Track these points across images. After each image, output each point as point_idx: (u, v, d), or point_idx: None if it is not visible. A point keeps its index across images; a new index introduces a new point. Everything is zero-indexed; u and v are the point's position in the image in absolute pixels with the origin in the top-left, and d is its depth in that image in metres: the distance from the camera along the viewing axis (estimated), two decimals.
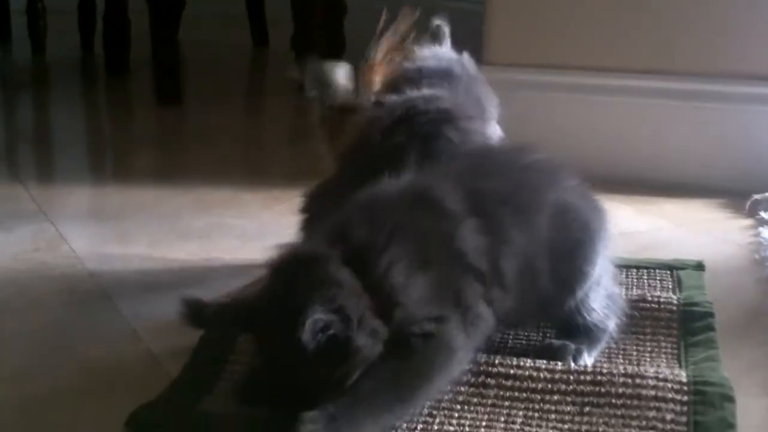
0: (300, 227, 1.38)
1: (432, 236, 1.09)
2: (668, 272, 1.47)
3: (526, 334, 1.26)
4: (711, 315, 1.32)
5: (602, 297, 1.23)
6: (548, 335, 1.25)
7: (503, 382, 1.12)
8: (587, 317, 1.21)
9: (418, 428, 1.04)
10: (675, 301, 1.34)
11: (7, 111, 2.88)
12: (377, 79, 1.41)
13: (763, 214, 1.74)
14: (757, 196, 1.80)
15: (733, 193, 1.85)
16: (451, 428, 1.04)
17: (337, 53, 2.93)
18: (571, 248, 1.18)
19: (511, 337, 1.25)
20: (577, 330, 1.22)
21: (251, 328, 1.07)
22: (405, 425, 1.04)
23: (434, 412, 1.07)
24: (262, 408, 1.05)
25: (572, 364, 1.15)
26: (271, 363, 1.04)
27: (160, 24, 2.67)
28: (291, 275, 1.02)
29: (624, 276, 1.43)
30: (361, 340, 0.99)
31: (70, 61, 3.30)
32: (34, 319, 1.36)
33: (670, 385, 1.10)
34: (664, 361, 1.22)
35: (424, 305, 1.05)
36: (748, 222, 1.75)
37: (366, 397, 1.00)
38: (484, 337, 1.12)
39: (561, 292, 1.19)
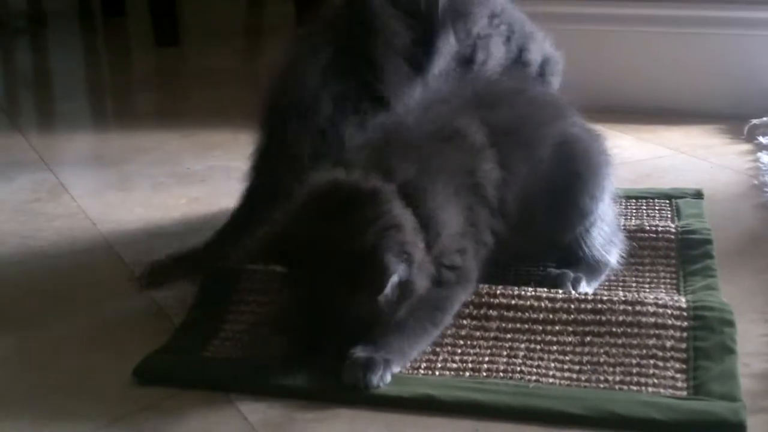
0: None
1: (459, 168, 1.13)
2: (667, 201, 1.48)
3: (526, 267, 1.27)
4: (709, 242, 1.33)
5: (605, 233, 1.24)
6: (548, 267, 1.26)
7: (505, 313, 1.13)
8: (587, 252, 1.23)
9: (422, 366, 1.06)
10: (673, 230, 1.35)
11: (4, 57, 2.87)
12: None
13: (761, 139, 1.74)
14: (755, 121, 1.80)
15: (731, 118, 1.85)
16: (455, 365, 1.06)
17: None
18: (572, 183, 1.19)
19: (512, 269, 1.26)
20: (577, 261, 1.23)
21: (303, 265, 1.03)
22: (409, 363, 1.06)
23: (437, 349, 1.09)
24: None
25: (572, 292, 1.16)
26: (319, 300, 1.03)
27: None
28: (350, 212, 1.02)
29: (623, 206, 1.43)
30: (419, 282, 1.03)
31: (66, 4, 3.27)
32: (36, 269, 1.36)
33: (669, 311, 1.11)
34: (663, 290, 1.23)
35: (454, 237, 1.09)
36: (747, 147, 1.76)
37: (409, 328, 1.05)
38: (484, 265, 1.15)
39: (562, 226, 1.20)
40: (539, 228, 1.19)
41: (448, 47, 1.27)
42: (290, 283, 1.08)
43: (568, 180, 1.19)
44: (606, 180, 1.23)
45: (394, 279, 1.00)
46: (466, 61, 1.32)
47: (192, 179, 1.68)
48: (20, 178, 1.71)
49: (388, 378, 1.02)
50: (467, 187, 1.13)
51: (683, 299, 1.14)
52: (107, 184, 1.69)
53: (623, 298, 1.14)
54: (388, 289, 0.99)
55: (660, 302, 1.12)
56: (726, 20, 1.91)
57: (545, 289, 1.17)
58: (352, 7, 1.28)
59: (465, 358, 1.07)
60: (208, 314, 1.18)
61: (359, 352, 1.02)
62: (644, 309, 1.12)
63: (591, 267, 1.23)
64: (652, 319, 1.10)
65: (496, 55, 1.34)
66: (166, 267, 1.23)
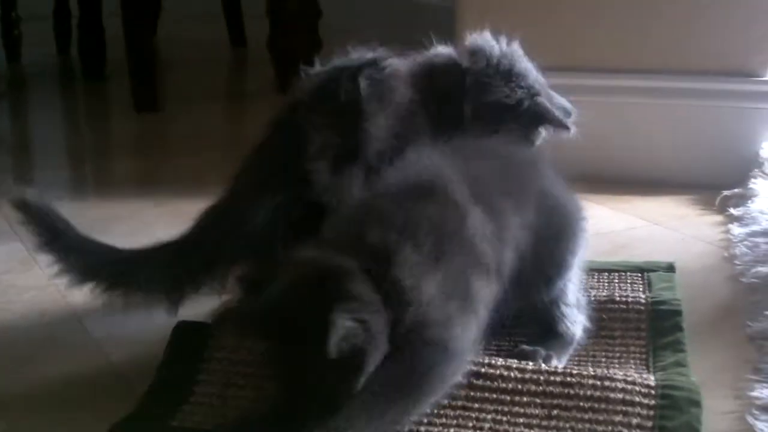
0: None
1: (442, 229, 1.09)
2: (639, 275, 1.48)
3: (495, 342, 1.27)
4: (679, 314, 1.33)
5: (576, 294, 1.25)
6: (520, 343, 1.26)
7: (474, 381, 1.13)
8: (562, 312, 1.24)
9: None
10: (643, 301, 1.36)
11: None
12: None
13: (732, 211, 1.75)
14: (726, 192, 1.82)
15: (703, 188, 1.87)
16: None
17: (312, 53, 2.94)
18: (554, 237, 1.20)
19: (482, 344, 1.25)
20: (549, 331, 1.23)
21: (271, 336, 1.04)
22: None
23: None
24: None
25: (542, 365, 1.16)
26: (287, 372, 1.03)
27: (133, 31, 2.66)
28: (312, 290, 1.01)
29: (595, 279, 1.44)
30: (375, 355, 1.01)
31: (46, 68, 3.29)
32: (2, 341, 1.36)
33: (638, 388, 1.11)
34: (633, 366, 1.23)
35: (434, 306, 1.05)
36: (719, 218, 1.77)
37: (367, 407, 1.01)
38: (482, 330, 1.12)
39: (545, 282, 1.21)
40: (526, 285, 1.19)
41: (377, 129, 1.30)
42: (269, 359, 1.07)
43: (550, 234, 1.20)
44: (581, 237, 1.24)
45: (345, 331, 0.97)
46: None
47: None
48: None
49: None
50: (454, 248, 1.09)
51: (652, 377, 1.14)
52: None
53: (592, 373, 1.14)
54: (335, 339, 0.95)
55: (629, 379, 1.12)
56: (698, 92, 1.94)
57: (515, 360, 1.17)
58: (280, 127, 1.34)
59: (431, 429, 1.07)
60: (177, 375, 1.17)
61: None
62: (613, 385, 1.11)
63: (562, 341, 1.24)
64: (620, 395, 1.10)
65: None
66: None
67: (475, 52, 1.40)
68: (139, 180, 2.19)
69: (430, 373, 1.04)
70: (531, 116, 1.39)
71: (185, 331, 1.24)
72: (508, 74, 1.39)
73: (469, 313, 1.08)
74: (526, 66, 1.42)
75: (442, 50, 1.43)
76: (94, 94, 3.00)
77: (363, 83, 1.30)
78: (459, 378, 1.08)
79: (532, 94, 1.39)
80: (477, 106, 1.37)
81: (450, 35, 1.96)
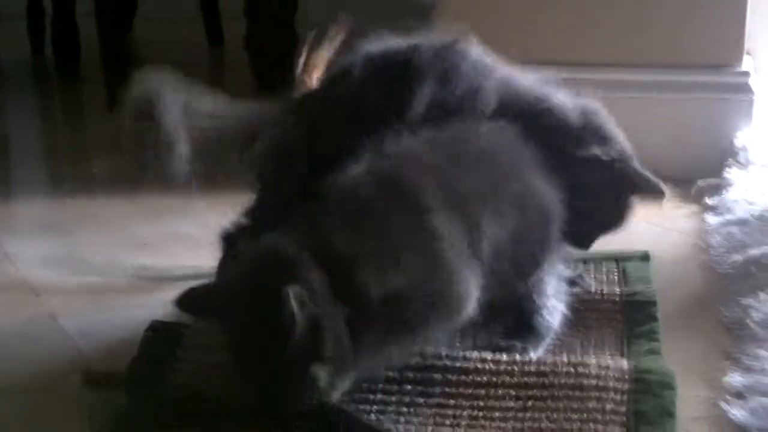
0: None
1: (407, 231, 1.09)
2: (614, 264, 1.48)
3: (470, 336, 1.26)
4: (654, 304, 1.34)
5: (553, 284, 1.25)
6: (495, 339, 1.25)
7: (449, 376, 1.13)
8: (539, 304, 1.24)
9: None
10: (618, 291, 1.37)
11: None
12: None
13: (707, 200, 1.76)
14: (701, 182, 1.82)
15: (678, 178, 1.86)
16: None
17: (290, 52, 2.92)
18: (531, 232, 1.20)
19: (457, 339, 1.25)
20: (524, 325, 1.23)
21: (222, 316, 1.06)
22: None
23: (381, 417, 1.08)
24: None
25: (517, 357, 1.16)
26: (244, 362, 1.04)
27: (108, 30, 2.64)
28: (262, 274, 1.02)
29: (571, 269, 1.44)
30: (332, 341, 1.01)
31: (21, 67, 3.26)
32: None
33: (611, 374, 1.12)
34: (608, 353, 1.23)
35: (398, 306, 1.05)
36: (694, 208, 1.78)
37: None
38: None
39: (519, 276, 1.21)
40: (504, 281, 1.19)
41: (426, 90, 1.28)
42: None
43: (528, 229, 1.20)
44: (557, 229, 1.24)
45: (298, 298, 0.97)
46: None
47: (142, 247, 1.67)
48: None
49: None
50: (419, 250, 1.09)
51: (625, 363, 1.14)
52: (53, 253, 1.67)
53: (566, 361, 1.14)
54: (290, 308, 0.96)
55: (602, 365, 1.13)
56: (673, 84, 1.94)
57: (489, 353, 1.17)
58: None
59: (409, 428, 1.07)
60: (150, 371, 1.17)
61: None
62: (586, 371, 1.12)
63: (538, 333, 1.24)
64: (594, 382, 1.11)
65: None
66: None
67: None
68: (114, 178, 2.17)
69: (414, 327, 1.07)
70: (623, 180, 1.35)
71: (158, 331, 1.23)
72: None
73: (441, 307, 1.09)
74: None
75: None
76: (68, 93, 2.98)
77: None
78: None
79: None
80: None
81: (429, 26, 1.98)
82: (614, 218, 1.34)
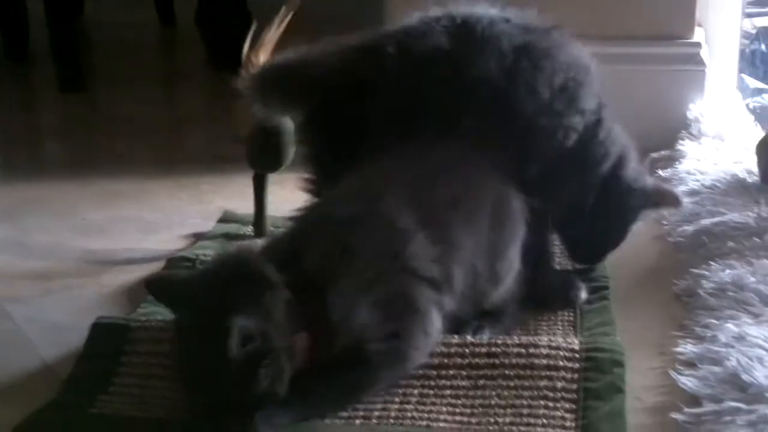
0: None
1: (379, 255, 1.08)
2: None
3: None
4: (606, 277, 1.36)
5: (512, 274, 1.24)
6: None
7: None
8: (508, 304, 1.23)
9: None
10: (571, 266, 1.37)
11: None
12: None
13: (660, 172, 1.76)
14: (654, 155, 1.83)
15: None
16: (345, 413, 1.05)
17: (242, 29, 2.90)
18: (504, 243, 1.20)
19: None
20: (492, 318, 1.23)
21: (176, 310, 1.06)
22: None
23: None
24: None
25: (468, 338, 1.16)
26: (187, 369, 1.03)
27: (56, 10, 2.60)
28: (227, 286, 1.01)
29: None
30: (275, 369, 0.99)
31: None
32: None
33: (562, 353, 1.12)
34: (561, 330, 1.24)
35: (374, 326, 1.05)
36: None
37: (314, 399, 1.03)
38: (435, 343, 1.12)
39: (493, 283, 1.20)
40: (479, 290, 1.18)
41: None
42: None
43: (501, 242, 1.19)
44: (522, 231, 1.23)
45: (241, 331, 0.96)
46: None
47: (91, 231, 1.65)
48: None
49: None
50: (394, 272, 1.08)
51: (576, 341, 1.15)
52: (1, 239, 1.64)
53: (517, 342, 1.14)
54: (234, 340, 0.95)
55: (553, 345, 1.13)
56: (626, 56, 1.93)
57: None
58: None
59: (357, 405, 1.06)
60: (98, 366, 1.15)
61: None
62: (538, 351, 1.12)
63: (495, 315, 1.23)
64: (545, 361, 1.11)
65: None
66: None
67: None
68: (65, 161, 2.15)
69: (371, 377, 1.06)
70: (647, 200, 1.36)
71: (105, 327, 1.22)
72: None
73: (415, 324, 1.08)
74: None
75: None
76: (17, 75, 2.93)
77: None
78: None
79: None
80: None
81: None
82: (625, 234, 1.37)
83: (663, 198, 1.40)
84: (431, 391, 1.09)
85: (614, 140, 1.33)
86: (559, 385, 1.08)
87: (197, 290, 1.03)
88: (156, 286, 1.08)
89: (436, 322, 1.11)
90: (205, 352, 0.98)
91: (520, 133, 1.24)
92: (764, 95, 2.17)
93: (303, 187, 1.35)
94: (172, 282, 1.10)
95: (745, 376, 1.08)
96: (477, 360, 1.12)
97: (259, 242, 1.16)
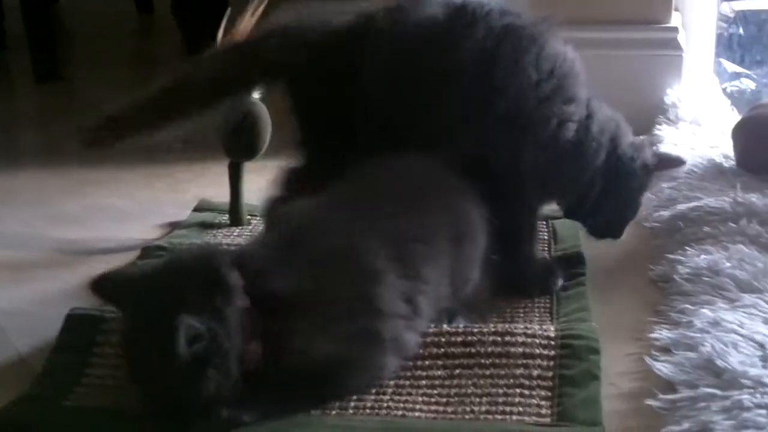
0: None
1: (353, 296, 1.06)
2: (544, 223, 1.48)
3: None
4: (582, 261, 1.36)
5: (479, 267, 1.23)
6: None
7: None
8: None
9: None
10: (547, 254, 1.37)
11: None
12: None
13: None
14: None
15: None
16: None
17: (218, 16, 2.87)
18: (466, 258, 1.19)
19: None
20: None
21: (123, 308, 1.05)
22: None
23: None
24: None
25: (444, 326, 1.16)
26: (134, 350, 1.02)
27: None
28: (180, 285, 1.00)
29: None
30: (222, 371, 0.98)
31: None
32: None
33: (538, 341, 1.12)
34: (537, 316, 1.24)
35: (327, 354, 1.03)
36: None
37: (283, 398, 1.02)
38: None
39: (455, 292, 1.19)
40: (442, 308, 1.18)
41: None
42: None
43: (460, 263, 1.18)
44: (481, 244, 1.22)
45: (188, 331, 0.95)
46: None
47: (66, 220, 1.64)
48: None
49: None
50: (361, 312, 1.07)
51: (552, 328, 1.15)
52: None
53: (493, 330, 1.14)
54: (181, 339, 0.94)
55: (529, 332, 1.13)
56: (603, 41, 1.93)
57: None
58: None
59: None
60: (71, 357, 1.15)
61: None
62: (513, 339, 1.12)
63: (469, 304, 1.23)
64: (521, 349, 1.11)
65: None
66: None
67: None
68: (42, 150, 2.13)
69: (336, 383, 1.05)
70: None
71: (78, 318, 1.21)
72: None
73: (378, 353, 1.07)
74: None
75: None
76: None
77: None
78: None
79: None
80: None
81: None
82: (638, 206, 1.39)
83: (665, 163, 1.42)
84: (407, 381, 1.08)
85: (604, 129, 1.32)
86: (535, 372, 1.07)
87: (146, 288, 1.02)
88: (99, 287, 1.06)
89: (407, 343, 1.10)
90: (151, 351, 0.97)
91: (508, 113, 1.24)
92: (742, 79, 2.18)
93: (280, 179, 1.34)
94: (117, 281, 1.08)
95: (720, 362, 1.07)
96: (453, 349, 1.12)
97: (230, 249, 1.13)
